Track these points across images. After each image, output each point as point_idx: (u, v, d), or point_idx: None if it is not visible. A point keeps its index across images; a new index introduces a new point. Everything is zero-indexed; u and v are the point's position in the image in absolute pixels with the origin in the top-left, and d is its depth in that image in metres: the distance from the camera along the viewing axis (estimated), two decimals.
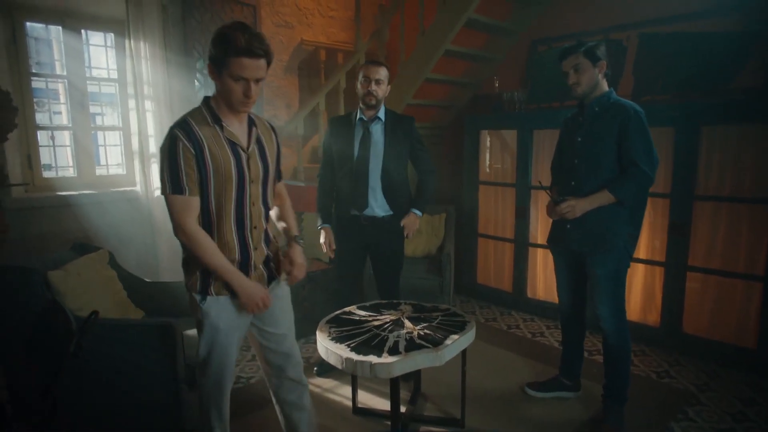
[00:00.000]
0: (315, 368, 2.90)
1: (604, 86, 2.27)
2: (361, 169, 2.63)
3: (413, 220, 2.70)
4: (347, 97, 4.00)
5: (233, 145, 1.61)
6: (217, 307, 1.66)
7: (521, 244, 3.84)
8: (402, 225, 2.68)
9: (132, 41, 3.32)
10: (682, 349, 3.09)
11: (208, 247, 1.60)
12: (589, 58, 2.22)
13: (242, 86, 1.50)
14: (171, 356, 2.03)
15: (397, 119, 2.70)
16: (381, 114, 2.66)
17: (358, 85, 2.61)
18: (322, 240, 2.74)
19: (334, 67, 4.63)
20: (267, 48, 1.49)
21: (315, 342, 3.20)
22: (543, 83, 3.76)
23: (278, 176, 1.81)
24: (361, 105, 2.64)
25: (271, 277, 1.79)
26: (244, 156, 1.62)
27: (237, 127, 1.63)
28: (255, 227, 1.69)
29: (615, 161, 2.23)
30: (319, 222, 2.77)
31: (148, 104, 3.44)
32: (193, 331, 2.33)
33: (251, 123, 1.68)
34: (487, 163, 4.12)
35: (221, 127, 1.60)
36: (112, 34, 3.62)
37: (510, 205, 3.91)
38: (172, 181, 1.54)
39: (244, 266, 1.68)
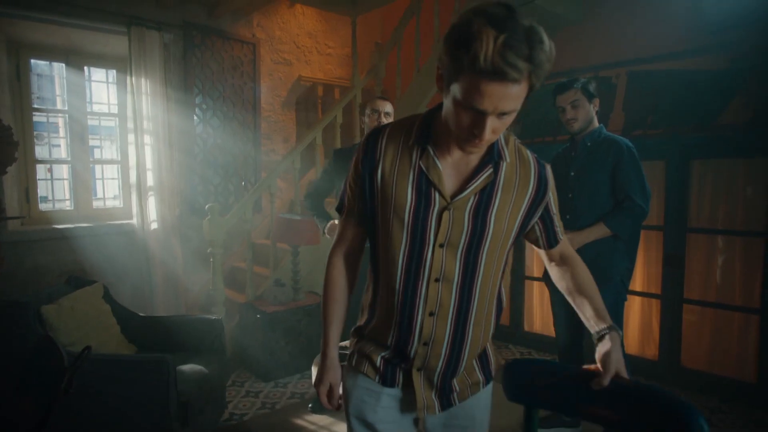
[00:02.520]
0: (310, 405, 2.84)
1: (596, 122, 2.34)
2: None
3: None
4: (344, 132, 4.07)
5: (426, 183, 1.02)
6: (357, 391, 1.16)
7: (518, 278, 3.84)
8: None
9: (133, 78, 3.40)
10: (682, 384, 3.06)
11: (328, 292, 1.19)
12: (586, 94, 2.29)
13: (473, 118, 0.90)
14: (163, 392, 1.99)
15: None
16: None
17: (366, 120, 2.64)
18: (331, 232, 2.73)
19: (331, 102, 4.72)
20: (535, 64, 0.83)
21: (310, 377, 3.15)
22: (535, 118, 3.84)
23: (551, 240, 1.16)
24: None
25: (447, 402, 1.13)
26: (437, 204, 1.02)
27: (454, 159, 1.03)
28: (432, 314, 1.06)
29: (609, 195, 2.27)
30: (320, 224, 2.76)
31: (147, 138, 3.49)
32: (187, 367, 2.29)
33: (492, 159, 1.03)
34: None
35: (422, 150, 1.04)
36: (114, 71, 3.70)
37: None
38: (341, 193, 1.20)
39: (394, 366, 1.12)
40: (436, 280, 1.04)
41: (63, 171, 3.60)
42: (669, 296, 3.07)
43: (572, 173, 2.36)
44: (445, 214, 1.01)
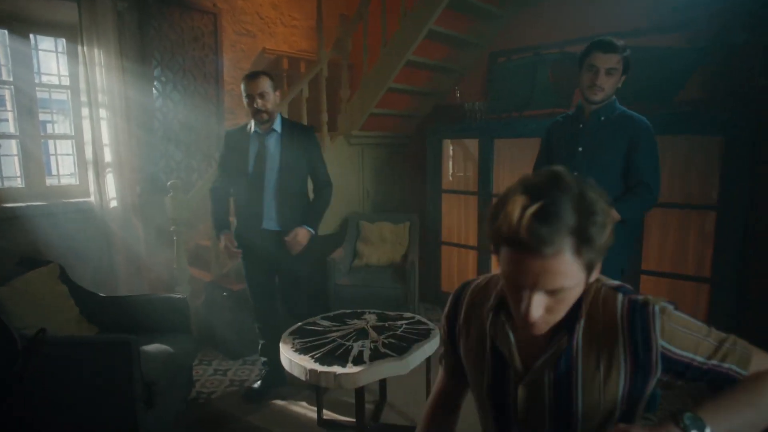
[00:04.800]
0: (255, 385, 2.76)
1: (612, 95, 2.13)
2: (257, 183, 2.52)
3: (301, 236, 2.51)
4: (310, 106, 3.99)
5: (498, 355, 0.93)
6: None
7: (484, 252, 3.91)
8: (285, 240, 2.51)
9: (85, 47, 3.21)
10: None
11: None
12: (624, 65, 2.03)
13: (518, 293, 0.80)
14: (127, 374, 1.95)
15: (295, 130, 2.61)
16: (277, 125, 2.55)
17: (245, 104, 2.49)
18: (222, 245, 2.62)
19: (297, 75, 4.61)
20: (581, 237, 0.74)
21: (253, 363, 3.14)
22: (503, 94, 3.85)
23: (718, 385, 0.86)
24: (255, 120, 2.52)
25: None
26: (511, 379, 0.92)
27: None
28: None
29: (620, 176, 2.07)
30: (215, 231, 2.65)
31: (103, 112, 3.33)
32: (151, 347, 2.25)
33: (567, 321, 0.86)
34: (450, 171, 4.18)
35: (495, 316, 0.93)
36: (64, 40, 3.49)
37: (473, 213, 3.97)
38: None
39: None
40: None
41: (12, 146, 3.40)
42: (629, 268, 3.17)
43: (580, 149, 2.12)
44: (521, 390, 0.89)
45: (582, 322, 0.86)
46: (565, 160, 2.17)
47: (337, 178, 4.08)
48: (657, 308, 0.84)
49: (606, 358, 0.84)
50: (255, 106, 2.43)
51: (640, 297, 0.86)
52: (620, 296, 0.87)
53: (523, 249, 0.73)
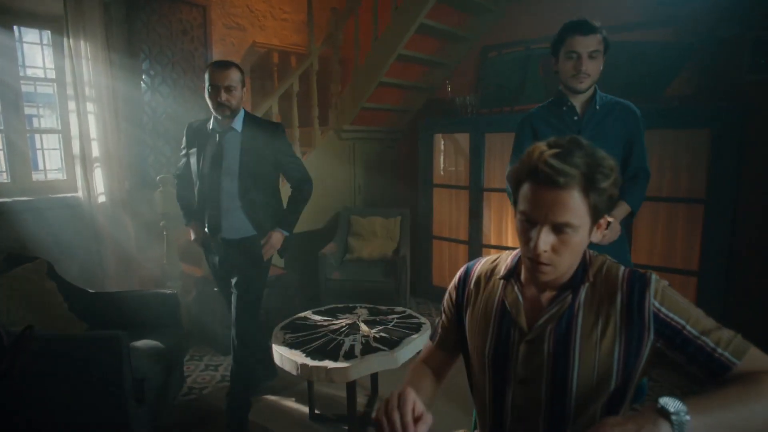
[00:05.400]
0: None
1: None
2: (212, 187, 2.27)
3: (274, 240, 2.31)
4: (300, 101, 3.97)
5: (507, 316, 1.00)
6: None
7: (475, 246, 3.93)
8: (261, 247, 2.33)
9: (71, 40, 3.16)
10: None
11: (410, 374, 1.13)
12: (605, 47, 1.89)
13: (530, 231, 0.90)
14: (117, 370, 1.93)
15: (259, 128, 2.33)
16: (237, 124, 2.27)
17: (206, 95, 2.21)
18: (193, 237, 2.46)
19: (288, 70, 4.58)
20: (588, 176, 0.86)
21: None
22: (494, 88, 3.86)
23: (708, 370, 0.87)
24: (215, 115, 2.26)
25: None
26: (516, 337, 0.98)
27: (537, 289, 0.98)
28: None
29: (620, 165, 1.91)
30: (185, 220, 2.48)
31: (90, 106, 3.28)
32: (141, 343, 2.23)
33: (572, 284, 0.96)
34: (441, 166, 4.18)
35: (506, 283, 1.03)
36: (49, 32, 3.43)
37: (464, 208, 3.98)
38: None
39: None
40: (519, 419, 0.98)
41: None
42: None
43: None
44: (522, 347, 0.96)
45: (586, 285, 0.95)
46: None
47: (328, 172, 4.08)
48: (654, 276, 0.93)
49: (604, 318, 0.92)
50: (219, 99, 2.15)
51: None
52: (622, 268, 0.97)
53: (540, 180, 0.86)
